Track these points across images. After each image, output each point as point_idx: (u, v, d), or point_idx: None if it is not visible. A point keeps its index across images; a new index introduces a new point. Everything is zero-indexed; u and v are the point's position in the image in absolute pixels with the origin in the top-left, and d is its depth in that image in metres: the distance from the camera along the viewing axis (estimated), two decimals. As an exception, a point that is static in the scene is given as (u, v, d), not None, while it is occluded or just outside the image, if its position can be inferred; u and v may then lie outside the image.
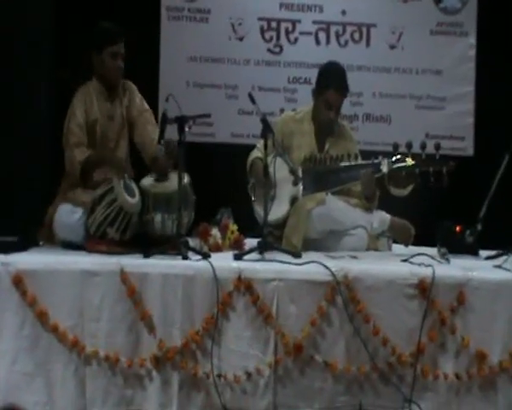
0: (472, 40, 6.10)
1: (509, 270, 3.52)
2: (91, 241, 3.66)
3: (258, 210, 4.18)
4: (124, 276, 3.30)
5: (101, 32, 4.07)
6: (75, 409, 3.27)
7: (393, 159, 3.98)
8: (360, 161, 4.12)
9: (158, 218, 3.73)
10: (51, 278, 3.30)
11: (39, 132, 5.15)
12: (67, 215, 3.79)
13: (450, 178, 3.88)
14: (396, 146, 3.98)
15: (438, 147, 3.89)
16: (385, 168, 3.98)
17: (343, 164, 4.11)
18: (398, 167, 3.95)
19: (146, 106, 4.21)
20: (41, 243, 3.86)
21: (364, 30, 6.09)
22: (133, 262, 3.38)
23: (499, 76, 5.84)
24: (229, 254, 3.64)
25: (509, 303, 3.35)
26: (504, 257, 3.77)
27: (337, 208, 4.10)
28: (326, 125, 4.35)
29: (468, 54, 6.10)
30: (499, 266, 3.59)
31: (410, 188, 4.02)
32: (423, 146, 3.88)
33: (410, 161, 3.92)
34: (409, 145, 3.91)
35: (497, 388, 3.32)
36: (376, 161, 4.02)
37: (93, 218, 3.66)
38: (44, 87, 5.26)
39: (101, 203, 3.66)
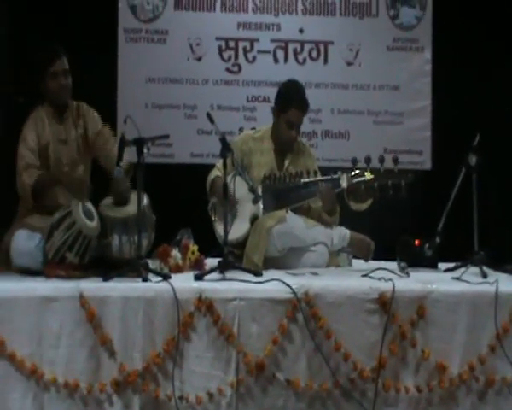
0: (428, 55, 6.19)
1: (467, 281, 3.56)
2: (50, 266, 3.59)
3: (219, 230, 4.17)
4: (83, 300, 3.26)
5: (38, 54, 3.96)
6: (34, 438, 3.22)
7: (352, 173, 4.02)
8: (319, 177, 4.17)
9: (116, 241, 3.68)
10: (8, 305, 3.25)
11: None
12: (24, 242, 3.72)
13: (410, 190, 3.92)
14: (355, 161, 4.02)
15: (396, 160, 3.93)
16: (344, 183, 4.04)
17: (303, 180, 4.16)
18: (357, 182, 3.99)
19: (101, 123, 4.12)
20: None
21: (322, 47, 6.14)
22: (92, 286, 3.34)
23: (455, 90, 5.94)
24: (190, 275, 3.62)
25: (468, 315, 3.38)
26: (463, 269, 3.81)
27: (297, 226, 4.10)
28: (287, 143, 4.37)
29: (424, 68, 6.18)
30: (458, 278, 3.64)
31: (369, 202, 4.07)
32: (381, 160, 3.92)
33: (368, 175, 3.97)
34: (367, 160, 3.95)
35: (458, 400, 3.34)
36: (335, 176, 4.08)
37: (51, 242, 3.59)
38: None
39: (59, 228, 3.59)
